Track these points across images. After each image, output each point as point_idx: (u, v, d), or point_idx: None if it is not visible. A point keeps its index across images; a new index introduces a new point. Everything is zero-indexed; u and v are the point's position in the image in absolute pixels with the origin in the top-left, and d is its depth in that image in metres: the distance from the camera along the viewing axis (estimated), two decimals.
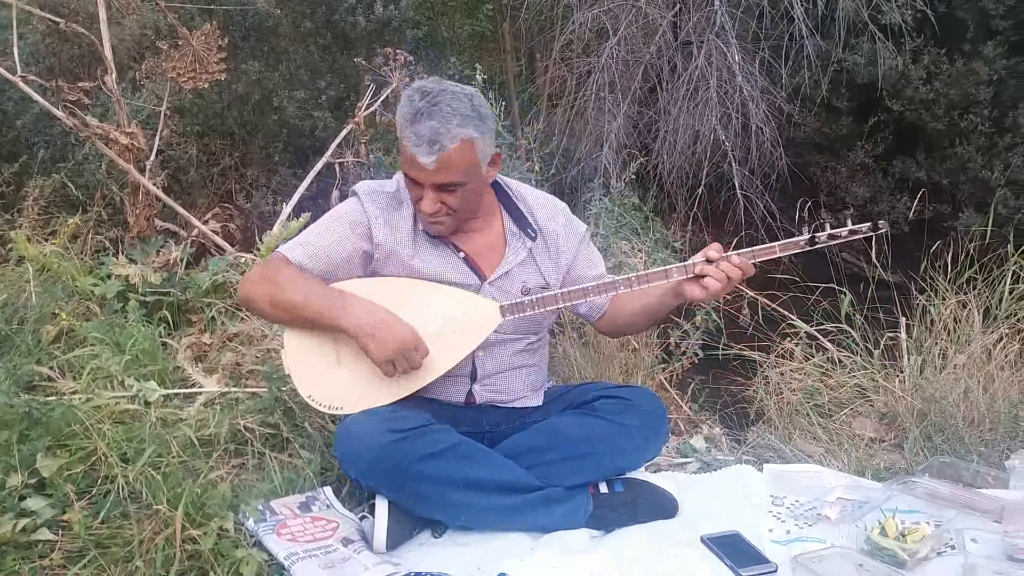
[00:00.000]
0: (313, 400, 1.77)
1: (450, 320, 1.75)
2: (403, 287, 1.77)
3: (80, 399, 2.07)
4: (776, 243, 1.70)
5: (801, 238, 1.69)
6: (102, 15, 3.45)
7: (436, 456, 1.66)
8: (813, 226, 1.70)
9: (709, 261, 1.68)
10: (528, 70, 7.59)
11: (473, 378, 1.87)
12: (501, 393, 1.90)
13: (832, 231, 1.69)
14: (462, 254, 1.82)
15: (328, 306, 1.72)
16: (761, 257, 1.69)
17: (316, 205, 3.76)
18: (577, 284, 1.85)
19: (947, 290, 2.68)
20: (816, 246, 1.70)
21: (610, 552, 1.65)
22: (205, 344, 2.62)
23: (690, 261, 1.71)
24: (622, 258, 3.36)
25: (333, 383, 1.76)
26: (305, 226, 2.86)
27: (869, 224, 1.68)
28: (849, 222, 1.69)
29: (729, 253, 1.68)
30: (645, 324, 2.00)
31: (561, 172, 5.30)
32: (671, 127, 6.00)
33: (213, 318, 2.80)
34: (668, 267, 1.71)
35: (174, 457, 1.82)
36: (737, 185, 5.74)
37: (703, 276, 1.68)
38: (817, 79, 5.84)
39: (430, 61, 5.34)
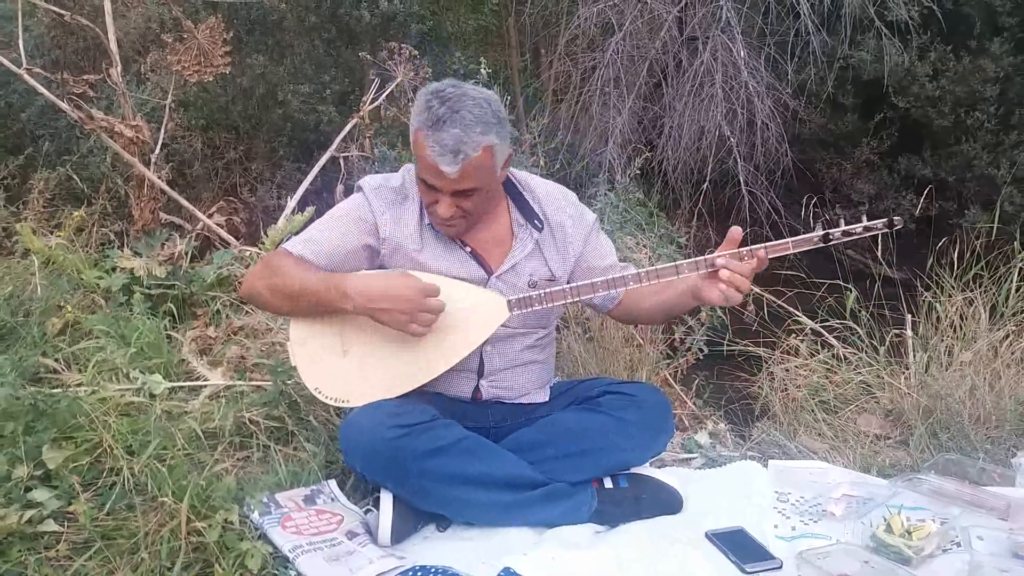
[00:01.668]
0: (320, 393, 1.76)
1: (457, 314, 1.74)
2: None
3: (85, 391, 2.08)
4: (790, 239, 1.68)
5: (815, 234, 1.67)
6: (107, 8, 3.45)
7: (439, 452, 1.66)
8: (826, 222, 1.68)
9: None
10: (533, 65, 7.57)
11: (480, 373, 1.86)
12: (508, 389, 1.89)
13: (846, 227, 1.67)
14: (468, 248, 1.82)
15: (326, 290, 1.70)
16: (774, 253, 1.68)
17: (320, 199, 3.75)
18: (587, 275, 1.84)
19: (953, 287, 2.67)
20: (830, 243, 1.68)
21: (611, 548, 1.65)
22: (210, 337, 2.62)
23: (701, 258, 1.69)
24: (627, 253, 3.35)
25: (340, 375, 1.76)
26: (310, 220, 2.86)
27: (884, 220, 1.66)
28: (864, 218, 1.67)
29: (742, 249, 1.66)
30: (662, 319, 2.02)
31: (566, 167, 5.27)
32: (676, 123, 5.97)
33: (218, 311, 2.80)
34: (679, 263, 1.70)
35: (179, 450, 1.82)
36: (742, 181, 5.72)
37: (716, 272, 1.66)
38: (823, 75, 5.81)
39: (435, 55, 5.33)
